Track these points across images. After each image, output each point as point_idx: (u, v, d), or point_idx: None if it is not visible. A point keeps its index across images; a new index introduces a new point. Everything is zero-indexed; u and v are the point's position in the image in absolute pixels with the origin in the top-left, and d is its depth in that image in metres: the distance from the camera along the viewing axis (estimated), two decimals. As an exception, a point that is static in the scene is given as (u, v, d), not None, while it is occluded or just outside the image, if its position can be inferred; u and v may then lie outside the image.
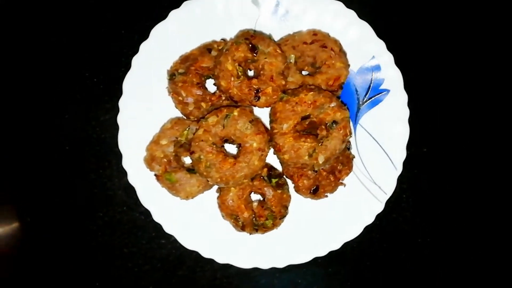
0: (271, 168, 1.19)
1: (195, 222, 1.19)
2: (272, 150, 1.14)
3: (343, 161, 1.18)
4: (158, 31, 1.20)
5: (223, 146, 1.13)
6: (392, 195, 1.22)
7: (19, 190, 1.28)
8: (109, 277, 1.26)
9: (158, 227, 1.18)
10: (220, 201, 1.16)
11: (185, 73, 1.16)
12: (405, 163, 1.21)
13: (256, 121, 1.10)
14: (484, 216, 1.32)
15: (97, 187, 1.27)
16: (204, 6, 1.20)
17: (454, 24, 1.35)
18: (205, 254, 1.18)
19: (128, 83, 1.19)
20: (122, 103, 1.19)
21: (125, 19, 1.30)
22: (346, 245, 1.20)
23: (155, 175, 1.16)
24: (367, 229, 1.21)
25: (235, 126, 1.08)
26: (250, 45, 1.09)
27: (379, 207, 1.21)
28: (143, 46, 1.19)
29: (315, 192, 1.18)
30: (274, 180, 1.17)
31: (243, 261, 1.18)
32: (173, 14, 1.20)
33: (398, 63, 1.21)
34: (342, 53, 1.19)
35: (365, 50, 1.23)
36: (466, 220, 1.32)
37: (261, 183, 1.16)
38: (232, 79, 1.08)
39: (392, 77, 1.22)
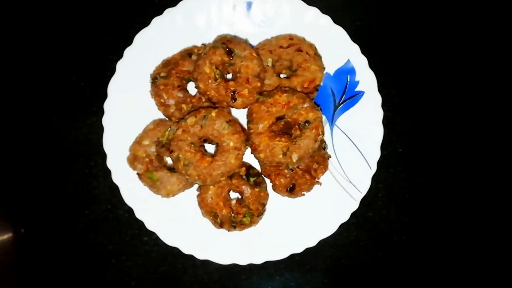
0: (249, 167, 1.24)
1: (176, 220, 1.24)
2: (248, 150, 1.19)
3: (318, 160, 1.22)
4: (142, 37, 1.25)
5: (202, 145, 1.18)
6: (368, 194, 1.26)
7: (6, 189, 1.33)
8: (93, 273, 1.31)
9: (141, 224, 1.22)
10: (199, 199, 1.21)
11: (167, 76, 1.21)
12: (381, 163, 1.25)
13: (233, 121, 1.15)
14: (459, 213, 1.36)
15: (83, 186, 1.32)
16: (185, 13, 1.26)
17: (426, 26, 1.40)
18: (185, 250, 1.22)
19: (113, 86, 1.24)
20: (107, 105, 1.24)
21: (111, 26, 1.36)
22: (322, 242, 1.24)
23: (138, 174, 1.21)
24: (344, 227, 1.25)
25: (213, 126, 1.12)
26: (227, 49, 1.14)
27: (354, 205, 1.25)
28: (127, 52, 1.25)
29: (292, 190, 1.22)
30: (252, 179, 1.21)
31: (222, 257, 1.22)
32: (156, 21, 1.26)
33: (371, 66, 1.26)
34: (317, 57, 1.24)
35: (340, 54, 1.27)
36: (441, 218, 1.36)
37: (239, 181, 1.20)
38: (210, 81, 1.13)
39: (366, 79, 1.26)
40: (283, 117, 1.15)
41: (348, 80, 1.28)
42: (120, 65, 1.24)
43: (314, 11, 1.27)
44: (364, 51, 1.26)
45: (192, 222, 1.23)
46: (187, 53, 1.23)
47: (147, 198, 1.23)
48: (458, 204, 1.36)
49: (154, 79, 1.22)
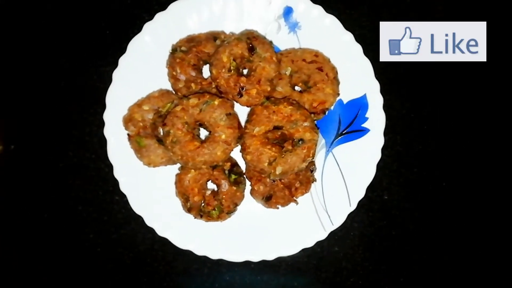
0: (235, 164, 1.24)
1: (161, 204, 1.25)
2: (239, 148, 1.19)
3: (302, 181, 1.21)
4: (176, 7, 1.25)
5: (195, 128, 1.18)
6: (340, 229, 1.25)
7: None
8: (58, 216, 1.34)
9: (116, 183, 1.23)
10: (177, 178, 1.22)
11: (186, 51, 1.21)
12: (362, 204, 1.24)
13: (232, 115, 1.15)
14: (433, 269, 1.34)
15: (76, 129, 1.35)
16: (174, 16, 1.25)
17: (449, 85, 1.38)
18: (149, 223, 1.24)
19: (135, 44, 1.25)
20: (122, 60, 1.25)
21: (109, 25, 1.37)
22: (280, 259, 1.24)
23: (128, 135, 1.22)
24: (306, 252, 1.25)
25: (212, 113, 1.13)
26: (250, 45, 1.14)
27: (322, 235, 1.25)
28: (158, 15, 1.25)
29: (268, 200, 1.22)
30: (233, 176, 1.21)
31: (181, 242, 1.24)
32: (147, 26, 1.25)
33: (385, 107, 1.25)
34: (335, 81, 1.23)
35: (360, 86, 1.26)
36: (408, 273, 1.34)
37: (220, 174, 1.20)
38: (223, 70, 1.13)
39: (376, 119, 1.25)
40: (281, 128, 1.14)
41: (358, 114, 1.27)
42: (147, 26, 1.25)
43: (349, 37, 1.26)
44: (382, 90, 1.25)
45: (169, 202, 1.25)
46: (213, 36, 1.23)
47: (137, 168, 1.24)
48: (432, 260, 1.34)
49: (174, 50, 1.23)
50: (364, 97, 1.26)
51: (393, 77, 1.35)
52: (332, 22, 1.26)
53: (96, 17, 1.37)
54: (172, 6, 1.26)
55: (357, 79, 1.26)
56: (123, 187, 1.24)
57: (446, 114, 1.37)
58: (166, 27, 1.26)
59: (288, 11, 1.28)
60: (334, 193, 1.26)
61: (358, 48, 1.25)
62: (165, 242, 1.25)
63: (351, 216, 1.24)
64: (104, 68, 1.33)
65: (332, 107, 1.26)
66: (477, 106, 1.38)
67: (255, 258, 1.24)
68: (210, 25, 1.26)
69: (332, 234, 1.24)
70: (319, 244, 1.24)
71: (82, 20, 1.37)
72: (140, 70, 1.26)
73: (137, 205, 1.24)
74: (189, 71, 1.21)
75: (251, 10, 1.27)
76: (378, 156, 1.24)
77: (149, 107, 1.22)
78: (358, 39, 1.25)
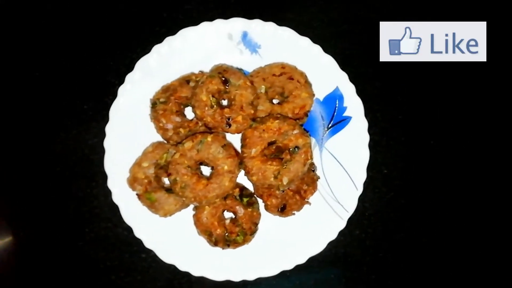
0: (243, 188, 1.31)
1: (172, 238, 1.30)
2: (243, 172, 1.26)
3: (308, 182, 1.30)
4: (142, 64, 1.33)
5: (198, 168, 1.25)
6: (355, 213, 1.33)
7: (12, 206, 1.39)
8: (94, 288, 1.37)
9: (139, 242, 1.29)
10: (195, 219, 1.28)
11: (166, 102, 1.28)
12: (367, 184, 1.33)
13: (227, 146, 1.22)
14: (445, 230, 1.44)
15: (84, 205, 1.39)
16: (183, 41, 1.33)
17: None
18: (181, 267, 1.29)
19: (115, 110, 1.32)
20: (108, 128, 1.31)
21: (113, 52, 1.44)
22: (311, 259, 1.31)
23: (137, 194, 1.28)
24: (332, 244, 1.32)
25: (209, 150, 1.20)
26: (223, 79, 1.22)
27: (342, 224, 1.33)
28: (128, 77, 1.32)
29: (283, 210, 1.30)
30: (245, 199, 1.28)
31: (216, 274, 1.29)
32: (156, 48, 1.33)
33: (358, 92, 1.34)
34: (307, 84, 1.32)
35: (330, 81, 1.36)
36: (426, 234, 1.43)
37: (233, 201, 1.27)
38: (206, 108, 1.21)
39: (353, 105, 1.34)
40: (274, 142, 1.22)
41: (337, 106, 1.36)
42: (121, 90, 1.32)
43: (306, 40, 1.35)
44: (351, 79, 1.34)
45: (188, 240, 1.30)
46: (185, 80, 1.30)
47: (145, 218, 1.30)
48: (446, 220, 1.44)
49: (154, 104, 1.29)
50: (337, 89, 1.36)
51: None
52: (287, 33, 1.35)
53: (73, 89, 1.43)
54: (138, 65, 1.33)
55: (326, 76, 1.35)
56: (148, 244, 1.30)
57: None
58: (139, 85, 1.32)
59: (244, 36, 1.36)
60: (339, 183, 1.34)
61: (318, 48, 1.35)
62: (201, 281, 1.30)
63: (360, 198, 1.33)
64: (92, 141, 1.39)
65: (311, 108, 1.35)
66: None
67: (288, 266, 1.31)
68: (180, 71, 1.33)
69: (349, 220, 1.33)
70: (341, 233, 1.32)
71: (57, 99, 1.43)
72: (128, 132, 1.32)
73: (166, 255, 1.29)
74: (174, 119, 1.28)
75: (214, 47, 1.35)
76: (366, 137, 1.34)
77: (148, 163, 1.28)
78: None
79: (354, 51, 1.46)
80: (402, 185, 1.44)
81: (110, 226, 1.38)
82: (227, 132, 1.24)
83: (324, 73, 1.35)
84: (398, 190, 1.44)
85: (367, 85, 1.40)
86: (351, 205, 1.33)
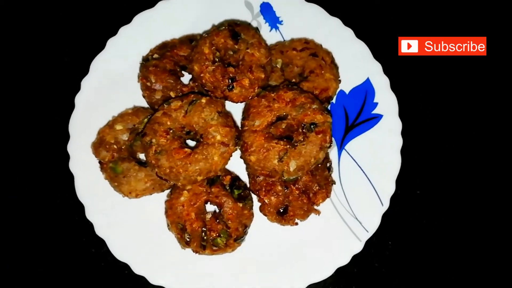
0: (236, 178, 1.01)
1: (133, 229, 1.00)
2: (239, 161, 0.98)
3: (320, 182, 1.00)
4: (142, 17, 1.12)
5: (182, 137, 0.96)
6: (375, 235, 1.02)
7: None
8: None
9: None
10: (168, 205, 0.97)
11: (160, 58, 1.05)
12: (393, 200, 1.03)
13: (225, 114, 0.96)
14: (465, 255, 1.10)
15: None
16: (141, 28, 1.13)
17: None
18: (136, 269, 0.96)
19: (97, 63, 1.09)
20: (84, 82, 1.07)
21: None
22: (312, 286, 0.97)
23: (100, 162, 1.00)
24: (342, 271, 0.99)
25: (200, 114, 0.93)
26: (233, 32, 0.99)
27: (358, 247, 1.00)
28: (122, 30, 1.11)
29: (283, 214, 0.99)
30: (236, 192, 0.98)
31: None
32: (162, 4, 1.14)
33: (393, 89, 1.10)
34: (333, 65, 1.08)
35: (360, 71, 1.12)
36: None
37: (220, 191, 0.97)
38: (207, 63, 0.96)
39: (386, 102, 1.10)
40: (285, 117, 0.95)
41: (366, 101, 1.11)
42: (111, 41, 1.11)
43: (336, 21, 1.14)
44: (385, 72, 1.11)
45: (153, 240, 1.00)
46: (188, 39, 1.09)
47: (104, 196, 1.00)
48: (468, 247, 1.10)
49: (146, 60, 1.06)
50: (367, 81, 1.12)
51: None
52: (316, 11, 1.15)
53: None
54: (137, 18, 1.13)
55: (355, 65, 1.12)
56: (100, 231, 0.98)
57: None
58: (133, 41, 1.11)
59: (265, 8, 1.17)
60: (359, 195, 1.04)
61: (349, 32, 1.14)
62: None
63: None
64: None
65: (334, 98, 1.10)
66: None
67: (281, 291, 0.97)
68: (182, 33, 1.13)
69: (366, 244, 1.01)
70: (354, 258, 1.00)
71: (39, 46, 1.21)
72: (107, 91, 1.08)
73: (121, 252, 0.97)
74: (165, 78, 1.03)
75: (228, 14, 1.15)
76: (399, 141, 1.06)
77: (123, 126, 1.01)
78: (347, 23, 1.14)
79: (392, 40, 1.23)
80: (434, 206, 1.13)
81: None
82: (227, 98, 0.98)
83: (354, 62, 1.13)
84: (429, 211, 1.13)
85: (402, 81, 1.16)
86: (373, 224, 1.02)
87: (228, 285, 0.98)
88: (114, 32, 1.11)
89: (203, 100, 0.94)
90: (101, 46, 1.10)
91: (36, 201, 1.11)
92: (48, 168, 1.12)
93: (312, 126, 0.92)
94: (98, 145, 1.00)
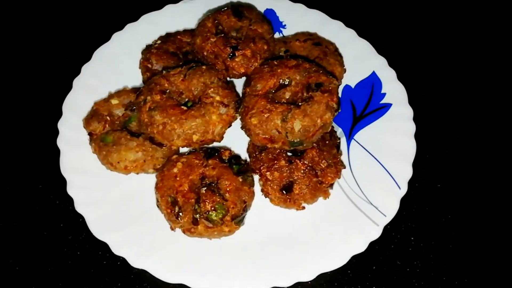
0: (235, 155, 0.92)
1: (121, 211, 0.88)
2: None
3: (328, 158, 0.90)
4: (149, 17, 1.15)
5: (179, 101, 0.89)
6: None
7: None
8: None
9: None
10: (159, 178, 0.87)
11: (162, 43, 1.05)
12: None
13: (226, 81, 0.91)
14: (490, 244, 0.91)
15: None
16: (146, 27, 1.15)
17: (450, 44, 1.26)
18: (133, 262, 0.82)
19: (102, 50, 1.09)
20: (86, 66, 1.06)
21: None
22: (321, 276, 0.81)
23: (89, 133, 0.92)
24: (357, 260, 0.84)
25: (199, 78, 0.88)
26: (237, 11, 1.00)
27: (375, 233, 0.86)
28: (128, 26, 1.13)
29: (288, 191, 0.87)
30: (235, 167, 0.88)
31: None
32: (169, 8, 1.18)
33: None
34: (337, 53, 1.07)
35: (365, 67, 1.10)
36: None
37: (217, 163, 0.87)
38: (209, 35, 0.95)
39: (394, 91, 1.05)
40: (289, 84, 0.90)
41: (373, 92, 1.07)
42: (116, 35, 1.11)
43: (338, 24, 1.16)
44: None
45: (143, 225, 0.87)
46: (193, 30, 1.10)
47: (89, 173, 0.90)
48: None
49: (149, 46, 1.06)
50: (373, 74, 1.09)
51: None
52: (318, 15, 1.18)
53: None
54: (144, 18, 1.16)
55: (360, 61, 1.11)
56: (79, 208, 0.86)
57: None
58: (137, 32, 1.12)
59: (269, 14, 1.20)
60: (373, 181, 0.94)
61: (351, 32, 1.15)
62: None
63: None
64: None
65: (340, 92, 1.06)
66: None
67: (286, 282, 0.80)
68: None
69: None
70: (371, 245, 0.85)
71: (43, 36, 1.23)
72: (106, 77, 1.05)
73: (99, 231, 0.84)
74: (167, 59, 1.01)
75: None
76: (412, 126, 0.99)
77: (119, 101, 0.96)
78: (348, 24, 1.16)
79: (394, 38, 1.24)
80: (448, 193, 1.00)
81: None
82: (229, 69, 0.94)
83: (358, 59, 1.11)
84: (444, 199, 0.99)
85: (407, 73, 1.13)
86: (391, 208, 0.89)
87: (221, 275, 0.82)
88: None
89: (203, 67, 0.91)
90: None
91: (34, 200, 0.99)
92: (48, 168, 1.03)
93: (317, 86, 0.86)
94: (90, 117, 0.93)
